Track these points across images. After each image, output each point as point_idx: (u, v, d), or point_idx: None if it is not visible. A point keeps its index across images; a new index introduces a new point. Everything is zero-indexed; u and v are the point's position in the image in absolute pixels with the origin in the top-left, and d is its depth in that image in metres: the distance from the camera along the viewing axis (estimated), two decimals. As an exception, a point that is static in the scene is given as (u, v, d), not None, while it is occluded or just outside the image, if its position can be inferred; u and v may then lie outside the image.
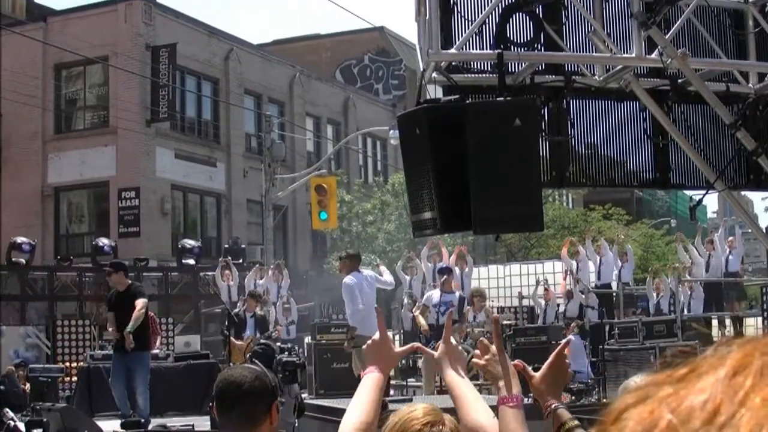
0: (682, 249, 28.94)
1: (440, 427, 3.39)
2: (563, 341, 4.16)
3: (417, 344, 4.55)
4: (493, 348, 3.94)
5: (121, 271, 17.33)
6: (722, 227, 29.22)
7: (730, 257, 26.61)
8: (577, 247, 28.90)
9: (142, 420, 16.45)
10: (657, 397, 1.08)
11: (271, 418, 4.38)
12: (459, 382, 3.89)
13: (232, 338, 20.26)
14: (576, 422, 3.91)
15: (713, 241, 27.40)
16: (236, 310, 23.09)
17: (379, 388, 3.86)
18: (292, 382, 15.25)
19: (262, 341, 18.62)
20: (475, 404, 3.75)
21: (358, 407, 3.74)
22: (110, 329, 17.32)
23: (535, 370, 4.20)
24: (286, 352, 16.31)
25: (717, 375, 1.05)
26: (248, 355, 17.55)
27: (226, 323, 20.41)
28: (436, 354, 4.04)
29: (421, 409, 3.49)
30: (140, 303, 16.69)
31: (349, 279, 17.39)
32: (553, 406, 3.95)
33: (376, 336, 4.10)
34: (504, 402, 3.77)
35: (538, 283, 27.85)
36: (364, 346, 4.16)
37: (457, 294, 19.85)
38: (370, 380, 3.92)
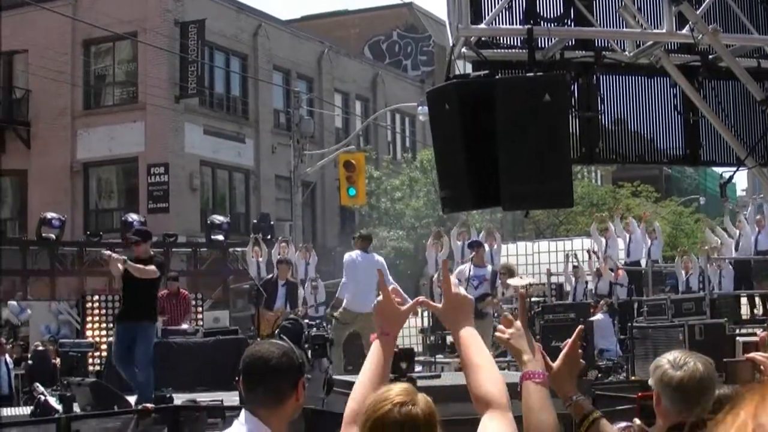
0: (709, 232, 28.88)
1: (410, 407, 3.34)
2: (574, 333, 4.13)
3: (421, 298, 4.48)
4: (518, 323, 3.92)
5: (149, 240, 16.49)
6: (751, 205, 29.07)
7: (760, 236, 26.44)
8: (606, 224, 28.85)
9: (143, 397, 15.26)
10: None
11: (297, 394, 4.38)
12: (469, 344, 3.82)
13: (261, 309, 20.37)
14: (598, 413, 3.90)
15: (742, 220, 27.30)
16: (269, 276, 23.04)
17: (388, 354, 3.91)
18: (322, 356, 15.33)
19: (291, 316, 18.70)
20: (485, 373, 3.70)
21: (364, 383, 3.80)
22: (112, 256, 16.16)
23: (563, 346, 4.18)
24: (315, 328, 16.39)
25: None
26: (276, 331, 17.61)
27: (255, 298, 20.49)
28: (440, 306, 3.99)
29: (395, 389, 3.40)
30: (151, 267, 15.58)
31: (347, 255, 17.81)
32: (573, 397, 3.94)
33: (380, 297, 4.05)
34: (528, 377, 3.75)
35: (567, 258, 27.87)
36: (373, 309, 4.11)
37: (489, 267, 19.79)
38: (376, 349, 3.95)
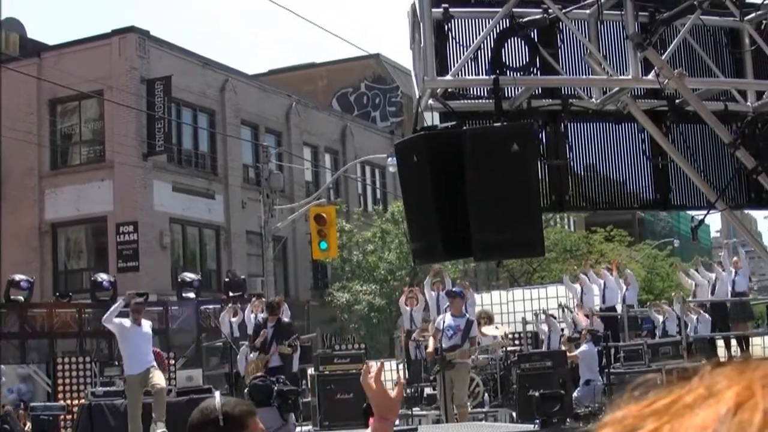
0: (684, 276, 28.96)
1: None
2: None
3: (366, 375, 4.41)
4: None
5: None
6: (725, 249, 29.21)
7: (737, 277, 26.52)
8: (577, 272, 28.94)
9: None
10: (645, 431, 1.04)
11: None
12: None
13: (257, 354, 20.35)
14: None
15: (718, 265, 27.44)
16: (252, 316, 22.82)
17: None
18: (290, 411, 15.49)
19: (258, 374, 18.57)
20: None
21: None
22: None
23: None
24: (281, 382, 16.56)
25: (717, 410, 1.01)
26: (245, 390, 17.61)
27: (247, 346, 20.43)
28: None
29: None
30: None
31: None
32: None
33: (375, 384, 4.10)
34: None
35: (536, 315, 27.95)
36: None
37: (466, 317, 19.71)
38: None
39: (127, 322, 19.32)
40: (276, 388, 16.10)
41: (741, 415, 1.00)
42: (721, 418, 1.01)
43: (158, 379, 19.22)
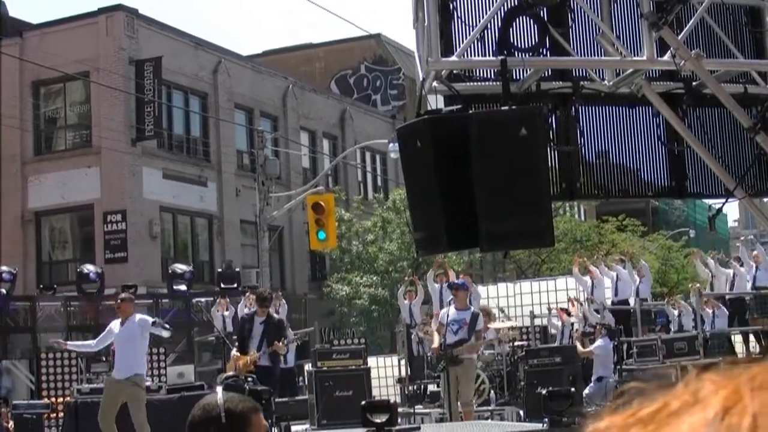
0: (700, 265, 28.89)
1: None
2: None
3: None
4: None
5: None
6: (742, 246, 29.22)
7: (759, 272, 26.48)
8: (587, 264, 28.86)
9: None
10: None
11: None
12: None
13: (232, 353, 20.06)
14: None
15: (737, 258, 27.43)
16: (246, 311, 22.52)
17: None
18: (268, 408, 15.68)
19: (231, 374, 18.55)
20: None
21: None
22: None
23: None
24: (251, 381, 16.73)
25: (705, 415, 1.02)
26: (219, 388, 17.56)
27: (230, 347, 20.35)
28: None
29: None
30: None
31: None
32: None
33: None
34: None
35: (549, 311, 27.90)
36: None
37: (471, 310, 19.61)
38: None
39: (114, 326, 18.54)
40: (248, 387, 16.20)
41: (729, 420, 1.01)
42: (708, 423, 1.02)
43: (135, 417, 17.92)
